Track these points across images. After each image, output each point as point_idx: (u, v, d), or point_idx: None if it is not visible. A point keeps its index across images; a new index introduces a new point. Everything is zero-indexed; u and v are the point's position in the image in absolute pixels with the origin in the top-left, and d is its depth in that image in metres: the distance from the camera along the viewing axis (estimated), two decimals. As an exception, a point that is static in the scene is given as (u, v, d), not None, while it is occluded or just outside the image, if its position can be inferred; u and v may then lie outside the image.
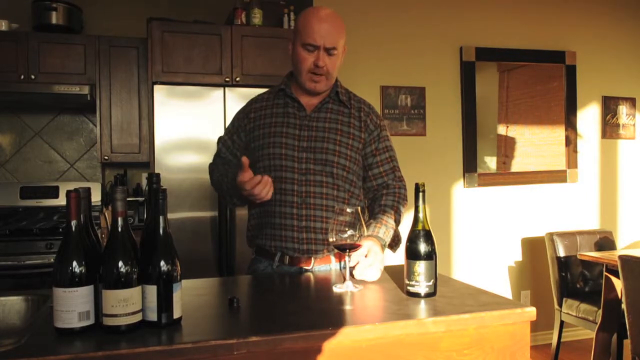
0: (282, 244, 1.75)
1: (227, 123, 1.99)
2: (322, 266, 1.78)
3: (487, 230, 3.82)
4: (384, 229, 1.72)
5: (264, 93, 1.91)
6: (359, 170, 1.84)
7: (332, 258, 1.79)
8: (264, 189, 1.63)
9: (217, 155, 1.93)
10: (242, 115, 1.87)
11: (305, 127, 1.77)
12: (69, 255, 1.11)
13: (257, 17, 3.27)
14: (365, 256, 1.57)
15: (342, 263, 1.82)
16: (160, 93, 3.00)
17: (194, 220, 3.04)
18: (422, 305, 1.32)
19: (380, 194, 1.83)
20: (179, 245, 1.23)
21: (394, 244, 1.79)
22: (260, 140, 1.79)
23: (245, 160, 1.63)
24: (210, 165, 1.95)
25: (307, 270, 1.77)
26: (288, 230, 1.74)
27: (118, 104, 3.37)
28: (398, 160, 1.91)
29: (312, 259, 1.76)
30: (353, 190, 1.82)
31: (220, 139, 1.95)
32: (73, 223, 1.13)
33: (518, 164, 3.87)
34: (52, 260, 2.86)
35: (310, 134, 1.77)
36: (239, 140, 1.86)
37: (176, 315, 1.15)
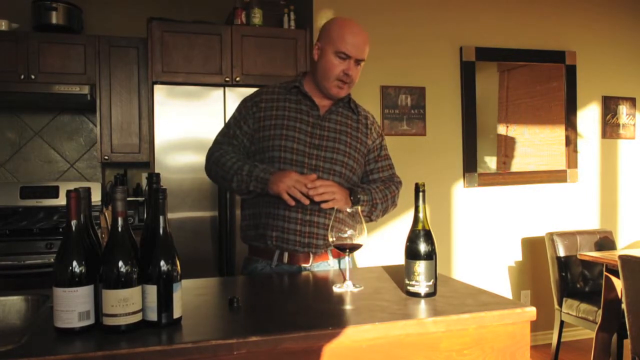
0: (283, 235, 1.76)
1: (227, 123, 1.97)
2: (320, 263, 1.81)
3: (487, 230, 3.82)
4: (361, 192, 1.80)
5: (274, 86, 1.91)
6: (361, 173, 1.91)
7: (330, 255, 1.82)
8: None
9: (228, 142, 1.87)
10: (251, 103, 1.87)
11: (317, 126, 1.83)
12: (69, 255, 1.11)
13: (257, 17, 3.27)
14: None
15: (342, 262, 1.83)
16: (160, 93, 3.00)
17: (194, 220, 3.04)
18: (422, 305, 1.32)
19: None
20: (179, 245, 1.23)
21: (372, 210, 1.84)
22: (271, 130, 1.80)
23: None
24: (214, 150, 1.88)
25: (305, 268, 1.78)
26: (292, 222, 1.75)
27: (118, 104, 3.37)
28: (398, 161, 2.04)
29: (311, 255, 1.77)
30: None
31: (224, 130, 1.92)
32: (73, 223, 1.13)
33: (518, 164, 3.87)
34: (52, 260, 2.86)
35: (322, 134, 1.82)
36: (247, 128, 1.85)
37: (176, 315, 1.15)
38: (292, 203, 1.67)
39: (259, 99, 1.87)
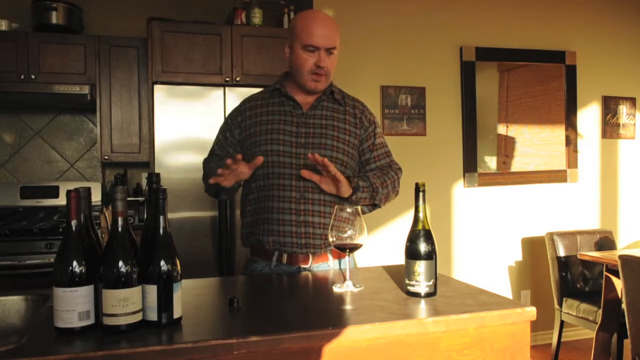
0: (280, 239, 1.76)
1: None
2: (320, 264, 1.80)
3: (487, 230, 3.82)
4: (358, 179, 1.77)
5: (258, 93, 1.94)
6: (355, 166, 1.88)
7: (330, 256, 1.82)
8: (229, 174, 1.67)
9: (211, 153, 1.95)
10: (236, 113, 1.90)
11: (302, 124, 1.81)
12: (69, 255, 1.11)
13: (257, 17, 3.27)
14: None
15: (342, 262, 1.83)
16: (160, 93, 3.00)
17: (194, 220, 3.04)
18: (422, 305, 1.32)
19: None
20: (179, 245, 1.23)
21: (372, 199, 1.83)
22: (257, 137, 1.81)
23: (239, 157, 1.64)
24: (205, 162, 1.96)
25: (305, 269, 1.77)
26: (286, 225, 1.75)
27: (118, 104, 3.37)
28: (398, 160, 1.97)
29: (310, 256, 1.77)
30: None
31: (213, 142, 1.97)
32: (73, 223, 1.13)
33: (518, 164, 3.87)
34: (52, 260, 2.86)
35: (308, 131, 1.80)
36: (232, 137, 1.88)
37: (176, 315, 1.15)
38: (212, 180, 1.68)
39: (243, 107, 1.89)
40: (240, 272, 1.96)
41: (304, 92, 1.83)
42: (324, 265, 1.81)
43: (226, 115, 3.04)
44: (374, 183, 1.78)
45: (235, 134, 1.87)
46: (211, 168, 1.83)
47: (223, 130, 1.92)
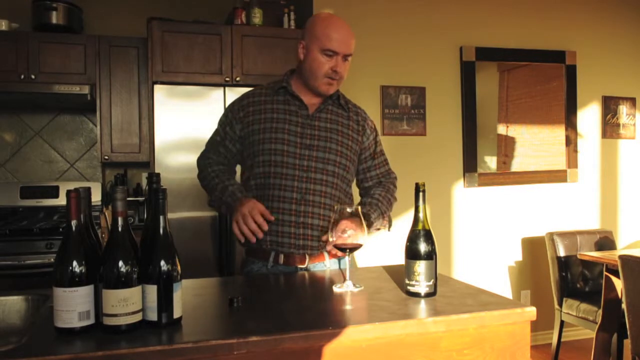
0: (277, 239, 1.76)
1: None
2: (317, 264, 1.81)
3: (487, 230, 3.82)
4: (370, 210, 1.81)
5: (260, 88, 1.92)
6: (354, 171, 1.91)
7: (326, 255, 1.82)
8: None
9: (214, 150, 1.92)
10: (238, 107, 1.87)
11: (307, 126, 1.81)
12: (69, 255, 1.11)
13: (257, 17, 3.27)
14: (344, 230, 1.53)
15: (342, 262, 1.83)
16: (160, 93, 3.00)
17: (194, 220, 3.04)
18: (422, 305, 1.32)
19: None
20: (179, 245, 1.23)
21: (385, 224, 1.89)
22: (260, 134, 1.80)
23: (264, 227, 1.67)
24: (201, 159, 1.95)
25: (302, 269, 1.78)
26: (285, 225, 1.75)
27: (118, 104, 3.37)
28: (398, 161, 1.99)
29: (307, 256, 1.78)
30: (348, 189, 1.88)
31: (212, 136, 1.95)
32: (73, 223, 1.13)
33: (518, 164, 3.87)
34: (52, 260, 2.86)
35: (313, 133, 1.80)
36: (232, 132, 1.86)
37: (176, 315, 1.15)
38: (242, 239, 1.69)
39: (246, 102, 1.86)
40: (237, 273, 1.97)
41: (311, 93, 1.83)
42: (321, 265, 1.81)
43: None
44: (384, 212, 1.85)
45: (237, 129, 1.85)
46: (216, 184, 1.83)
47: (223, 123, 1.90)
